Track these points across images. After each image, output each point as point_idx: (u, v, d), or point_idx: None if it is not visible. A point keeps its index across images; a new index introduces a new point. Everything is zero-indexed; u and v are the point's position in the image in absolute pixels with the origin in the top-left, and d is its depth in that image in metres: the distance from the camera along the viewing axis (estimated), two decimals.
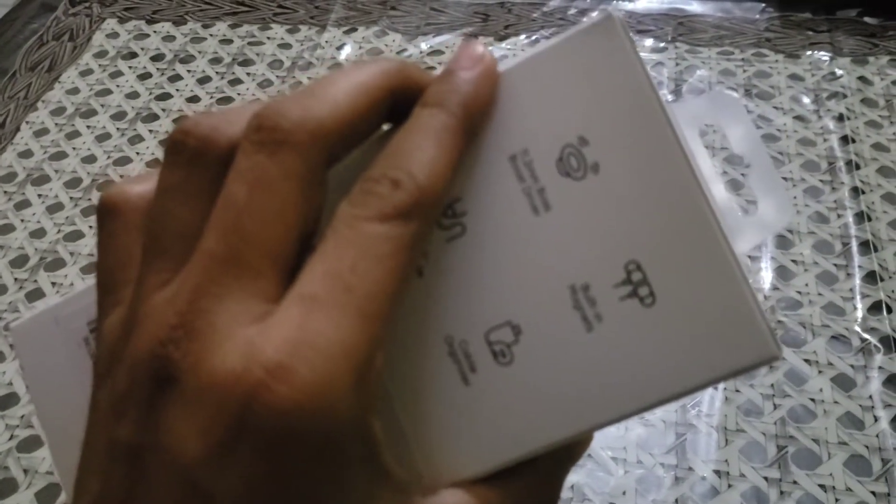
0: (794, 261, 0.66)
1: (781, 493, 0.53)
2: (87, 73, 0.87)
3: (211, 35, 0.91)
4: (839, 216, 0.69)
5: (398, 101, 0.24)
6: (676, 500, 0.53)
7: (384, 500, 0.22)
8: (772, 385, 0.58)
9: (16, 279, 0.68)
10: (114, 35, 0.92)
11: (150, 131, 0.80)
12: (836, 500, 0.53)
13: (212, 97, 0.83)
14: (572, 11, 0.91)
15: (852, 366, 0.59)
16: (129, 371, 0.22)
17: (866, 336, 0.61)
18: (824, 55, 0.84)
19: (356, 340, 0.20)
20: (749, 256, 0.66)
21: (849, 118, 0.77)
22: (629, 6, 0.91)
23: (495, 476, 0.24)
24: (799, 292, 0.64)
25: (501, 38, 0.88)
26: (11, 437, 0.59)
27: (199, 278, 0.21)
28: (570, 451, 0.26)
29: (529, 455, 0.24)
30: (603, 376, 0.23)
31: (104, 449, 0.22)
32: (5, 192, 0.75)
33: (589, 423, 0.24)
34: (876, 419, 0.56)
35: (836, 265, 0.66)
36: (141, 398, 0.21)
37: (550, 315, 0.24)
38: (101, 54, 0.89)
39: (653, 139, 0.23)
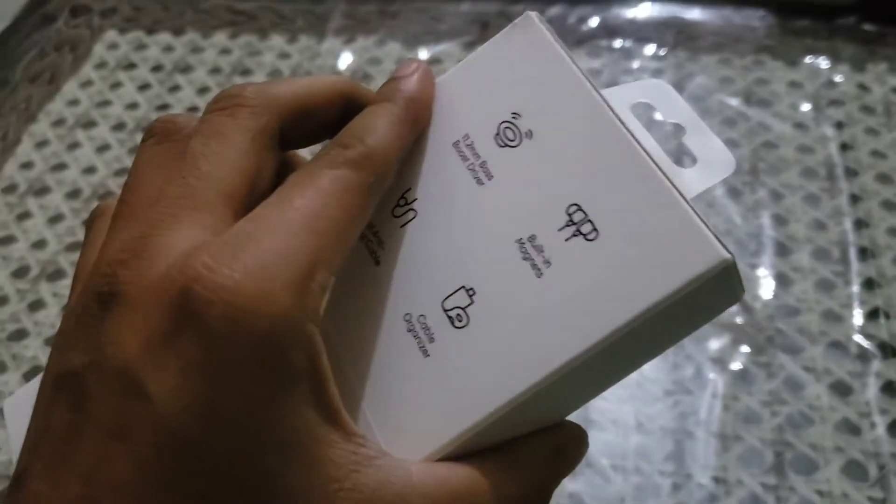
0: (792, 268, 0.66)
1: (779, 499, 0.53)
2: (87, 84, 0.88)
3: (210, 45, 0.92)
4: (837, 223, 0.69)
5: (347, 111, 0.27)
6: None
7: (333, 445, 0.22)
8: (769, 392, 0.58)
9: (17, 290, 0.69)
10: (114, 46, 0.92)
11: None
12: None
13: None
14: (572, 20, 0.91)
15: (850, 372, 0.59)
16: (78, 303, 0.22)
17: (864, 343, 0.61)
18: (823, 62, 0.84)
19: (299, 247, 0.22)
20: (749, 265, 0.66)
21: (847, 125, 0.77)
22: (630, 14, 0.91)
23: (474, 456, 0.24)
24: (797, 299, 0.64)
25: None
26: None
27: (155, 215, 0.23)
28: (564, 454, 0.26)
29: (495, 415, 0.24)
30: (560, 316, 0.24)
31: (50, 390, 0.22)
32: (7, 203, 0.76)
33: (551, 365, 0.23)
34: (873, 425, 0.56)
35: (834, 272, 0.66)
36: (89, 324, 0.22)
37: (501, 270, 0.25)
38: (101, 65, 0.90)
39: (577, 97, 0.26)
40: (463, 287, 0.25)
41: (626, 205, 0.24)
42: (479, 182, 0.26)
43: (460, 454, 0.24)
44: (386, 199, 0.27)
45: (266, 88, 0.25)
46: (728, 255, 0.22)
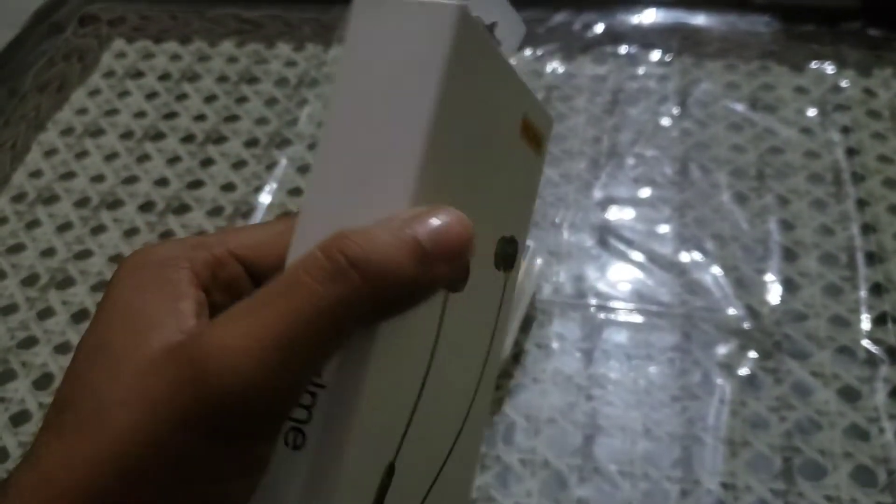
0: (799, 273, 0.66)
1: None
2: (95, 93, 0.88)
3: (217, 54, 0.92)
4: (844, 228, 0.69)
5: None
6: None
7: (163, 327, 0.25)
8: (777, 397, 0.58)
9: (27, 298, 0.69)
10: (122, 55, 0.93)
11: (158, 150, 0.81)
12: None
13: (219, 115, 0.84)
14: (577, 26, 0.91)
15: (858, 377, 0.59)
16: None
17: (872, 348, 0.61)
18: (829, 67, 0.84)
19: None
20: (756, 270, 0.66)
21: (853, 130, 0.78)
22: (635, 20, 0.92)
23: None
24: (805, 304, 0.64)
25: None
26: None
27: None
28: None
29: None
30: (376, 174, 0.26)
31: None
32: (16, 211, 0.76)
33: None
34: (881, 430, 0.56)
35: (841, 277, 0.66)
36: None
37: None
38: (109, 74, 0.90)
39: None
40: None
41: None
42: None
43: None
44: None
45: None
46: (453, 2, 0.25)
